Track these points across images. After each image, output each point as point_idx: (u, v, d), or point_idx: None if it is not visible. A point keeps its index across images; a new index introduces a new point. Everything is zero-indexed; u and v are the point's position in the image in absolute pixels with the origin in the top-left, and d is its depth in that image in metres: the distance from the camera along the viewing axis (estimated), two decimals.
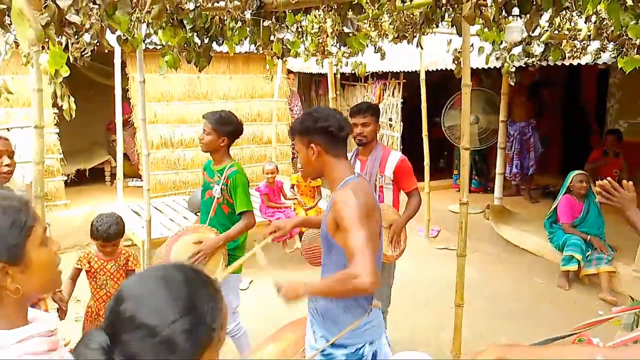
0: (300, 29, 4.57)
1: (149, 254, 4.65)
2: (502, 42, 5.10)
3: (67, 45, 2.62)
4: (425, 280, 4.96)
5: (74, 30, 2.26)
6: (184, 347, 0.90)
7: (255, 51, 4.77)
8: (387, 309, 3.60)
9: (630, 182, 2.26)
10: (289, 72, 9.27)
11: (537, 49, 5.07)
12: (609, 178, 2.28)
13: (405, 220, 3.41)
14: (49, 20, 1.55)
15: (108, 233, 3.20)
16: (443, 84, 8.32)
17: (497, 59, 5.38)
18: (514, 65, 5.41)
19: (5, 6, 1.74)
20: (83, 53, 2.31)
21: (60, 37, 2.27)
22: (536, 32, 4.56)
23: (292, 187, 6.16)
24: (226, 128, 3.27)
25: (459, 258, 2.87)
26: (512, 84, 5.72)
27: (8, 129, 6.18)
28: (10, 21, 2.06)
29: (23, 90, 6.43)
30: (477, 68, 6.04)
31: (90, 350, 0.89)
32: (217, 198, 3.26)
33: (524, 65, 5.60)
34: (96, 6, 1.92)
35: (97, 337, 0.91)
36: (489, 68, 5.84)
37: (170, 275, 0.97)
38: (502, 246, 6.16)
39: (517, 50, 5.30)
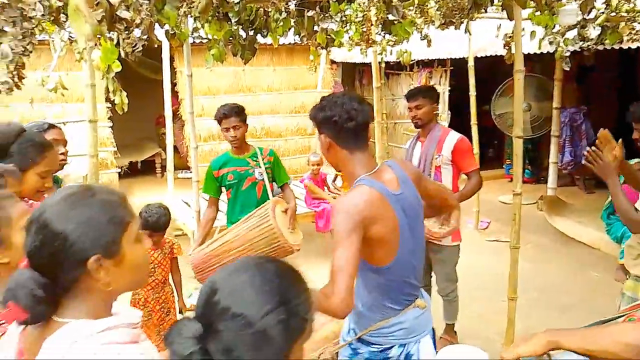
0: (344, 18, 4.52)
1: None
2: (555, 25, 4.89)
3: (118, 41, 2.68)
4: (474, 272, 4.85)
5: (124, 26, 2.31)
6: (278, 337, 0.92)
7: (299, 42, 4.75)
8: (452, 292, 3.62)
9: (616, 151, 2.45)
10: (332, 62, 9.23)
11: (593, 32, 4.83)
12: (593, 147, 2.43)
13: (458, 198, 3.22)
14: (109, 15, 1.59)
15: (157, 224, 3.29)
16: (492, 71, 8.07)
17: (550, 43, 5.16)
18: (568, 50, 5.18)
19: (61, 3, 1.80)
20: (134, 48, 2.36)
21: (111, 33, 2.32)
22: (591, 15, 4.34)
23: (336, 177, 6.14)
24: (245, 116, 3.43)
25: (512, 250, 2.78)
26: (567, 69, 5.48)
27: (63, 123, 6.44)
28: (66, 18, 2.13)
29: (77, 85, 6.67)
30: (528, 53, 5.81)
31: (184, 339, 0.91)
32: (263, 179, 3.42)
33: (579, 50, 5.35)
34: (146, 2, 1.95)
35: (190, 326, 0.93)
36: (540, 53, 5.62)
37: (263, 266, 1.00)
38: (555, 238, 5.95)
39: (571, 34, 5.06)
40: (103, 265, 1.06)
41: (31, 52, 2.04)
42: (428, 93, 3.54)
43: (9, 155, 2.00)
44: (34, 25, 2.09)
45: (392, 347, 1.94)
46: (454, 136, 3.47)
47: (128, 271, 1.11)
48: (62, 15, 2.24)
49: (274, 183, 3.60)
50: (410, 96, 3.51)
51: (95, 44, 2.61)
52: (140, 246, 1.15)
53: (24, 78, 2.19)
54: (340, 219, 1.75)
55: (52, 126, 2.62)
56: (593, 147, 2.44)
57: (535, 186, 7.60)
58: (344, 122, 1.84)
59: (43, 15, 1.83)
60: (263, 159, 3.46)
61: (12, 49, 1.91)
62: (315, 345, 2.56)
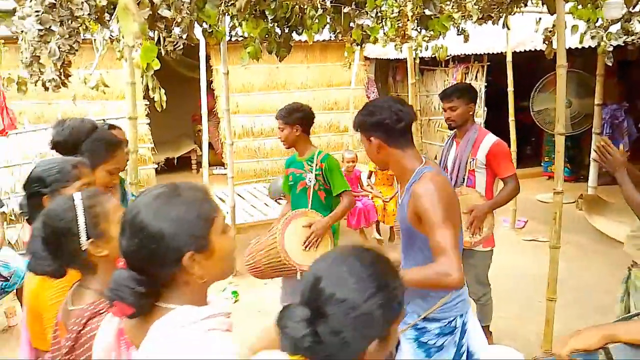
0: (379, 14, 4.49)
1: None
2: (597, 19, 4.74)
3: (158, 39, 2.74)
4: (511, 272, 4.76)
5: (164, 24, 2.36)
6: (379, 320, 1.01)
7: (333, 39, 4.74)
8: (484, 296, 3.53)
9: (622, 147, 2.48)
10: (366, 58, 9.18)
11: (638, 26, 4.66)
12: (602, 142, 2.46)
13: (491, 206, 3.19)
14: (150, 14, 1.63)
15: None
16: (531, 66, 7.89)
17: (593, 37, 5.00)
18: (611, 45, 5.01)
19: (106, 2, 1.85)
20: (175, 46, 2.40)
21: (151, 31, 2.37)
22: (637, 8, 4.20)
23: (370, 174, 6.12)
24: (294, 116, 3.29)
25: (552, 250, 2.71)
26: (610, 64, 5.30)
27: (104, 120, 6.62)
28: (109, 18, 2.19)
29: (116, 83, 6.85)
30: (569, 48, 5.65)
31: (295, 323, 1.00)
32: (313, 185, 3.29)
33: (622, 44, 5.17)
34: (187, 0, 1.99)
35: (299, 312, 1.02)
36: (582, 48, 5.46)
37: (361, 255, 1.08)
38: (595, 238, 5.78)
39: (614, 28, 4.90)
40: (196, 260, 1.11)
41: (77, 50, 2.11)
42: (464, 93, 3.38)
43: (81, 152, 2.07)
44: (79, 25, 2.16)
45: (455, 318, 2.11)
46: (490, 139, 3.33)
47: (218, 262, 1.17)
48: (105, 14, 2.31)
49: (324, 190, 3.37)
50: (445, 96, 3.38)
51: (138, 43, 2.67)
52: (227, 237, 1.20)
53: (70, 76, 2.27)
54: (433, 202, 1.90)
55: (112, 127, 2.61)
56: (602, 142, 2.48)
57: (575, 184, 7.40)
58: (394, 124, 2.00)
59: (89, 14, 1.90)
60: (316, 165, 3.29)
61: (59, 48, 1.98)
62: None
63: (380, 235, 6.05)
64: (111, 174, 2.14)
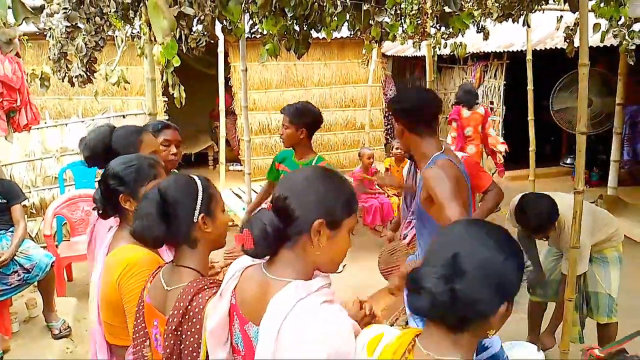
0: (398, 11, 4.48)
1: None
2: (620, 17, 4.67)
3: (179, 36, 2.77)
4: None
5: (186, 22, 2.39)
6: (514, 282, 1.06)
7: (351, 37, 4.75)
8: None
9: None
10: (383, 55, 9.16)
11: None
12: None
13: (481, 217, 2.98)
14: (179, 13, 1.66)
15: None
16: (551, 64, 7.80)
17: (615, 36, 4.93)
18: (634, 43, 4.93)
19: (130, 0, 1.88)
20: (198, 43, 2.43)
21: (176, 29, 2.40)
22: None
23: (387, 170, 6.11)
24: (303, 119, 3.18)
25: (571, 250, 2.69)
26: (632, 63, 5.23)
27: (124, 116, 6.70)
28: (133, 15, 2.23)
29: (136, 80, 6.93)
30: (590, 47, 5.58)
31: (435, 279, 1.03)
32: None
33: None
34: None
35: (438, 270, 1.04)
36: (603, 47, 5.38)
37: (493, 226, 1.13)
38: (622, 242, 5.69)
39: (637, 26, 4.82)
40: (322, 232, 1.21)
41: (102, 47, 2.14)
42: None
43: (114, 154, 2.01)
44: (104, 22, 2.19)
45: None
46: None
47: (333, 251, 1.27)
48: (130, 11, 2.34)
49: None
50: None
51: (155, 40, 2.70)
52: (347, 239, 1.30)
53: (95, 72, 2.31)
54: (443, 183, 2.04)
55: (167, 126, 2.56)
56: None
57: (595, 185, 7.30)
58: (415, 112, 2.19)
59: (116, 11, 1.93)
60: None
61: (86, 44, 2.02)
62: (388, 313, 2.72)
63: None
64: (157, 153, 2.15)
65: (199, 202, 1.49)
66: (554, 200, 2.95)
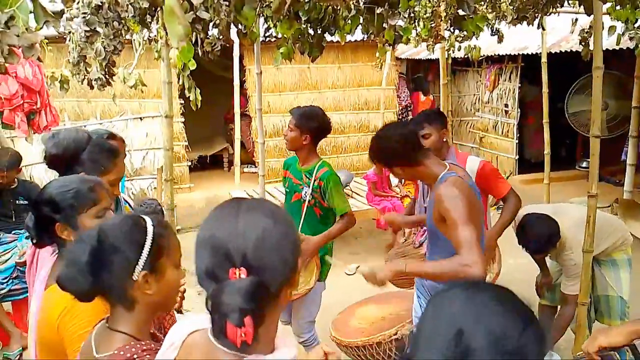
0: (412, 15, 4.49)
1: None
2: (636, 20, 4.63)
3: (196, 40, 2.82)
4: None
5: (202, 26, 2.44)
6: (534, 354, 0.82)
7: (364, 40, 4.76)
8: None
9: None
10: (397, 58, 9.16)
11: None
12: None
13: (499, 230, 2.92)
14: (194, 17, 1.70)
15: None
16: (566, 67, 7.75)
17: (631, 38, 4.89)
18: None
19: (147, 4, 1.93)
20: (214, 47, 2.48)
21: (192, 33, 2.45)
22: None
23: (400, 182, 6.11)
24: (309, 124, 3.04)
25: (585, 254, 2.68)
26: None
27: (141, 119, 6.81)
28: (150, 19, 2.28)
29: (153, 82, 7.02)
30: (606, 49, 5.53)
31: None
32: (308, 201, 3.05)
33: None
34: (226, 2, 2.06)
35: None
36: (620, 49, 5.33)
37: (501, 293, 0.90)
38: (632, 245, 5.63)
39: None
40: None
41: (121, 50, 2.20)
42: (434, 119, 3.05)
43: (81, 163, 1.95)
44: (122, 26, 2.25)
45: None
46: (473, 162, 3.01)
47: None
48: (147, 15, 2.40)
49: (319, 207, 3.10)
50: (417, 124, 3.00)
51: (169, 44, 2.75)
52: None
53: (114, 75, 2.36)
54: (456, 203, 2.03)
55: (112, 136, 2.33)
56: None
57: (611, 189, 7.21)
58: (404, 148, 2.19)
59: (133, 16, 1.98)
60: (314, 180, 3.02)
61: (104, 48, 2.07)
62: (390, 324, 2.72)
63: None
64: (112, 185, 1.97)
65: (143, 255, 1.22)
66: (556, 223, 2.89)
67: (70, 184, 1.61)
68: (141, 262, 1.22)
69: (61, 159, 1.99)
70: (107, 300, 1.27)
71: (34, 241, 1.66)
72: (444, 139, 3.00)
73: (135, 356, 1.16)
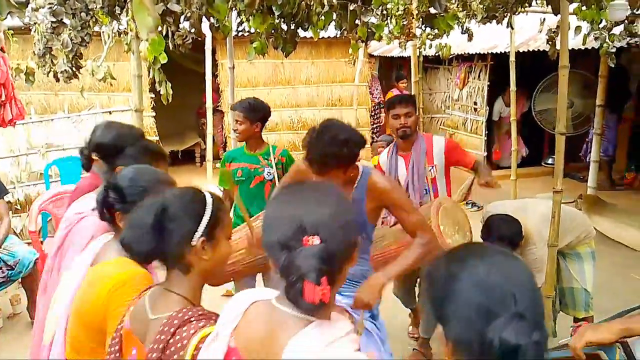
0: (385, 12, 4.53)
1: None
2: (601, 20, 4.77)
3: (167, 33, 2.78)
4: None
5: (173, 18, 2.41)
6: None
7: (338, 36, 4.79)
8: None
9: None
10: (370, 55, 9.21)
11: None
12: None
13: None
14: (164, 9, 1.68)
15: None
16: (534, 66, 7.92)
17: (596, 39, 5.03)
18: (614, 46, 5.04)
19: None
20: (185, 40, 2.45)
21: (161, 25, 2.41)
22: None
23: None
24: (258, 114, 3.34)
25: (550, 248, 2.76)
26: (612, 65, 5.34)
27: (110, 112, 6.66)
28: (120, 11, 2.24)
29: (123, 76, 6.89)
30: (572, 49, 5.68)
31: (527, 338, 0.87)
32: (272, 179, 3.29)
33: (626, 46, 5.20)
34: None
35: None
36: (585, 49, 5.48)
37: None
38: (595, 239, 5.80)
39: (618, 29, 4.93)
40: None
41: (88, 42, 2.15)
42: (414, 100, 3.28)
43: (124, 157, 1.97)
44: (91, 17, 2.20)
45: None
46: (439, 140, 3.23)
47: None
48: (116, 7, 2.35)
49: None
50: (400, 102, 3.15)
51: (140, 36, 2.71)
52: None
53: (81, 67, 2.31)
54: (395, 190, 2.29)
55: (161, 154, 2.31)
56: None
57: (576, 184, 7.42)
58: (352, 150, 2.15)
59: (102, 7, 1.94)
60: (275, 158, 3.34)
61: (71, 40, 2.02)
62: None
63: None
64: None
65: (203, 222, 1.31)
66: (519, 224, 2.90)
67: (141, 179, 1.67)
68: (201, 228, 1.31)
69: (106, 149, 2.05)
70: (164, 263, 1.36)
71: (99, 215, 1.69)
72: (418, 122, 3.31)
73: (192, 319, 1.23)
